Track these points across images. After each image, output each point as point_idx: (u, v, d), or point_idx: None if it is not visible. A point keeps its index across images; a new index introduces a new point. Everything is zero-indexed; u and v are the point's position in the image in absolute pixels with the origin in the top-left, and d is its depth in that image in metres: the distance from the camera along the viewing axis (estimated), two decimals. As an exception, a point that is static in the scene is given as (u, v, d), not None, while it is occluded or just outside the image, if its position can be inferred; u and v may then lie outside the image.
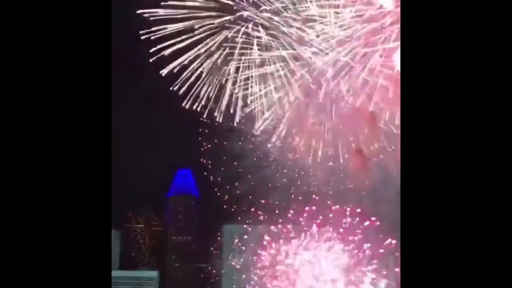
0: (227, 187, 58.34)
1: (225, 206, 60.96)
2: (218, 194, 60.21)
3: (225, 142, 55.82)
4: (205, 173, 60.05)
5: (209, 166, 58.64)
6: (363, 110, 50.63)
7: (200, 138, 56.73)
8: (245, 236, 64.37)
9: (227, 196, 59.29)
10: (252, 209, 59.53)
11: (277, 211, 58.25)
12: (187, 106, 52.85)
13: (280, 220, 58.90)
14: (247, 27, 50.94)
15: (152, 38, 50.76)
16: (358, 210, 56.65)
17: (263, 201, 57.84)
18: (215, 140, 56.54)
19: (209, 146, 56.98)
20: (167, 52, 51.28)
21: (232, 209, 61.08)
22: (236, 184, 57.31)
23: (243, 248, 64.76)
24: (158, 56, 51.14)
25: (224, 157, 56.40)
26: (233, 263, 67.80)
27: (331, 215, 57.64)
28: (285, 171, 55.91)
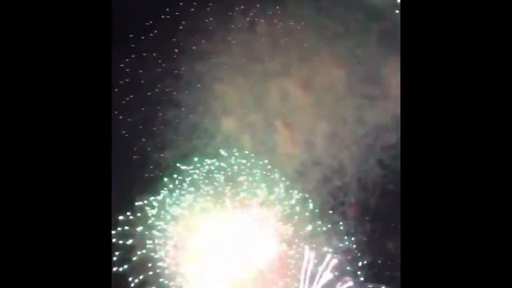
0: (144, 157, 57.04)
1: (139, 178, 58.86)
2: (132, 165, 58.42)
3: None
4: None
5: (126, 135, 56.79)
6: None
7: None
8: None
9: (142, 167, 57.74)
10: (167, 181, 57.93)
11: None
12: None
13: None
14: None
15: None
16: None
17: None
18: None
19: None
20: None
21: (146, 181, 58.99)
22: (154, 155, 55.94)
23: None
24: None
25: (143, 126, 54.99)
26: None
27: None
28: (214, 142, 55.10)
